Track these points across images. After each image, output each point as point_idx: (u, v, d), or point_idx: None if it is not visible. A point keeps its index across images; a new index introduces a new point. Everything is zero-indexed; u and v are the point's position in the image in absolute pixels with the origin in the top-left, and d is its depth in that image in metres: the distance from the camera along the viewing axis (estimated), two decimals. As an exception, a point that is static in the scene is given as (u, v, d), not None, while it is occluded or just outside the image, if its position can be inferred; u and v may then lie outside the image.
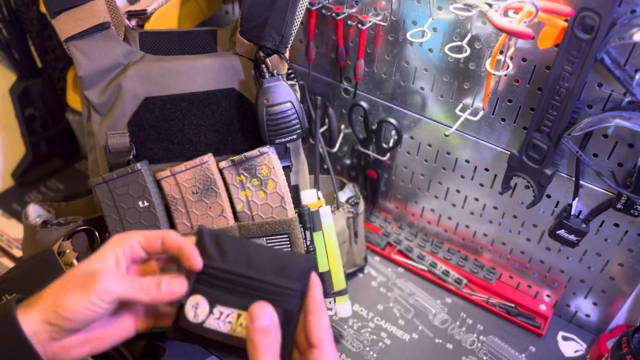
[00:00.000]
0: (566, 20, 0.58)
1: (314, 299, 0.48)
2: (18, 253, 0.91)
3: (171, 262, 0.53)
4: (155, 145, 0.68)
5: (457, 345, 0.81)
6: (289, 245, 0.70)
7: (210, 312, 0.48)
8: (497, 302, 0.86)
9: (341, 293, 0.74)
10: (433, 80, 0.76)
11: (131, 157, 0.67)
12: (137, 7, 0.72)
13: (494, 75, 0.67)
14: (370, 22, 0.76)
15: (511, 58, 0.66)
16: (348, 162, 0.97)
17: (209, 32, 0.71)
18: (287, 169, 0.69)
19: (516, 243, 0.84)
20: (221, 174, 0.68)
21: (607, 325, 0.81)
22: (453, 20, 0.69)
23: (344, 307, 0.74)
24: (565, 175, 0.72)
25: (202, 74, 0.67)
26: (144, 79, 0.67)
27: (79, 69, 0.66)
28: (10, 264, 0.89)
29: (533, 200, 0.73)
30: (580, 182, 0.71)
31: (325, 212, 0.72)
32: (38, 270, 0.66)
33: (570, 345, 0.82)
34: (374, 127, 0.86)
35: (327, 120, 0.91)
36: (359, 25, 0.76)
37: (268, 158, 0.67)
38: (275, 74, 0.65)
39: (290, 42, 0.66)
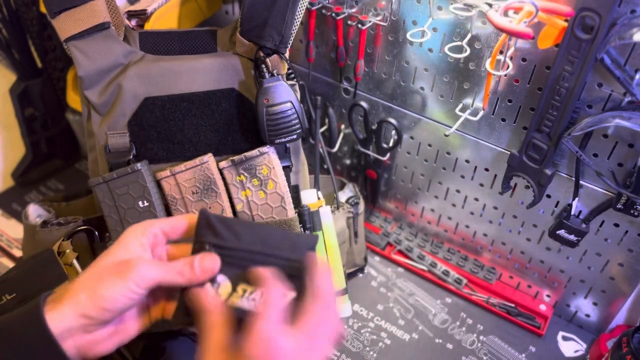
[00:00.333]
0: (566, 20, 0.58)
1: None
2: (18, 253, 0.91)
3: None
4: (155, 145, 0.68)
5: (457, 345, 0.81)
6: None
7: (234, 290, 0.48)
8: (497, 302, 0.86)
9: (341, 293, 0.74)
10: (433, 80, 0.76)
11: (131, 157, 0.66)
12: (137, 7, 0.72)
13: (494, 75, 0.67)
14: (370, 22, 0.76)
15: (511, 58, 0.66)
16: (348, 162, 0.97)
17: (209, 32, 0.71)
18: (287, 169, 0.69)
19: (516, 243, 0.84)
20: (221, 174, 0.68)
21: (607, 325, 0.81)
22: (453, 20, 0.69)
23: (344, 307, 0.74)
24: (565, 175, 0.72)
25: (202, 74, 0.67)
26: (144, 79, 0.66)
27: (79, 69, 0.66)
28: (10, 264, 0.89)
29: (533, 200, 0.73)
30: (580, 182, 0.71)
31: (325, 212, 0.72)
32: (38, 270, 0.66)
33: (570, 345, 0.82)
34: (374, 127, 0.86)
35: (327, 120, 0.91)
36: (359, 25, 0.76)
37: (268, 158, 0.67)
38: (275, 74, 0.65)
39: (290, 42, 0.66)
